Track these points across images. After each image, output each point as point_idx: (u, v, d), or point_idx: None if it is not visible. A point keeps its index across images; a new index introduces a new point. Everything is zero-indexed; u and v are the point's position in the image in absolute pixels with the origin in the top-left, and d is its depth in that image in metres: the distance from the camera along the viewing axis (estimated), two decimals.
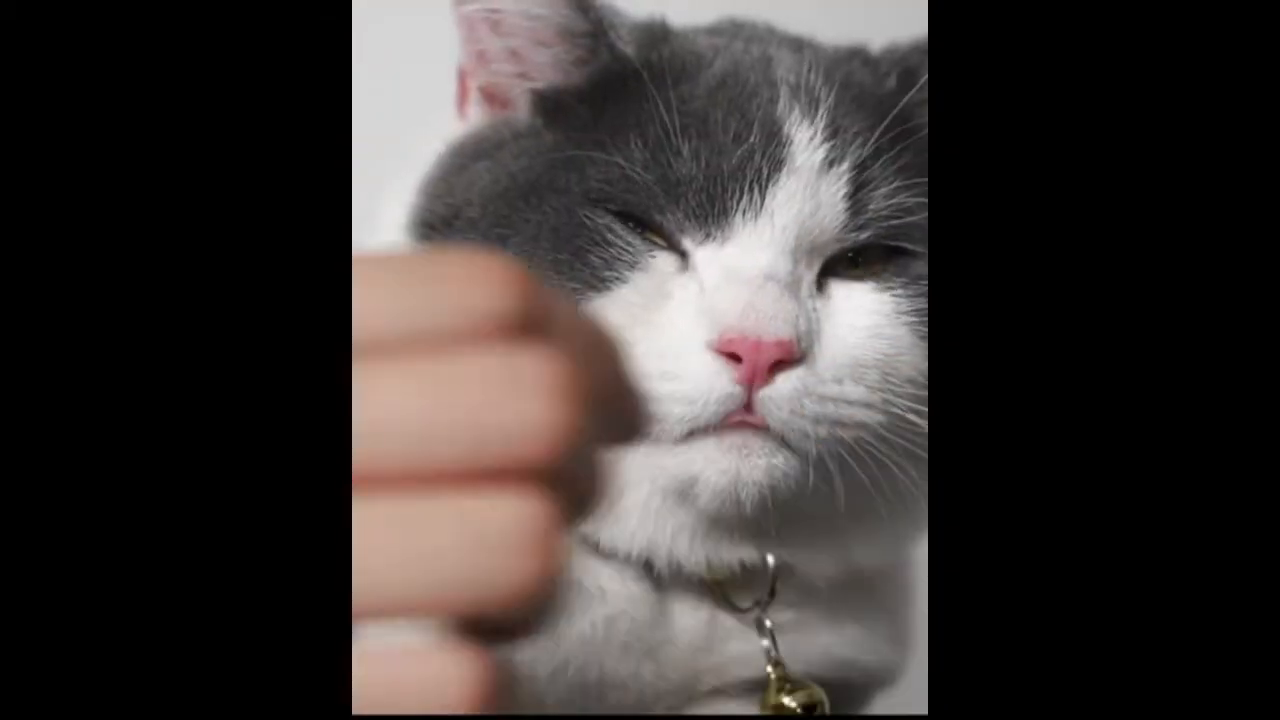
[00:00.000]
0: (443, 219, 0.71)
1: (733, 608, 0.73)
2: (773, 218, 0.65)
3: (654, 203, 0.67)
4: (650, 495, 0.69)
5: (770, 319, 0.64)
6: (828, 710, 0.70)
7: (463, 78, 0.75)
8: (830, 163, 0.67)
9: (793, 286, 0.66)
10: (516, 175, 0.71)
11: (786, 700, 0.71)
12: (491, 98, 0.74)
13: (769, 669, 0.71)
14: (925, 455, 0.66)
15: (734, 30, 0.75)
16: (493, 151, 0.72)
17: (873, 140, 0.68)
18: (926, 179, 0.68)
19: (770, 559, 0.71)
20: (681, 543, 0.70)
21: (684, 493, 0.68)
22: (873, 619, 0.75)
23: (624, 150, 0.68)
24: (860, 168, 0.68)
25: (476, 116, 0.76)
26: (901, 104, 0.70)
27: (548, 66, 0.72)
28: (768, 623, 0.72)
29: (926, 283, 0.68)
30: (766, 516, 0.69)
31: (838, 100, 0.69)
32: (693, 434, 0.67)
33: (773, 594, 0.72)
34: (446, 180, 0.73)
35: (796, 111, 0.67)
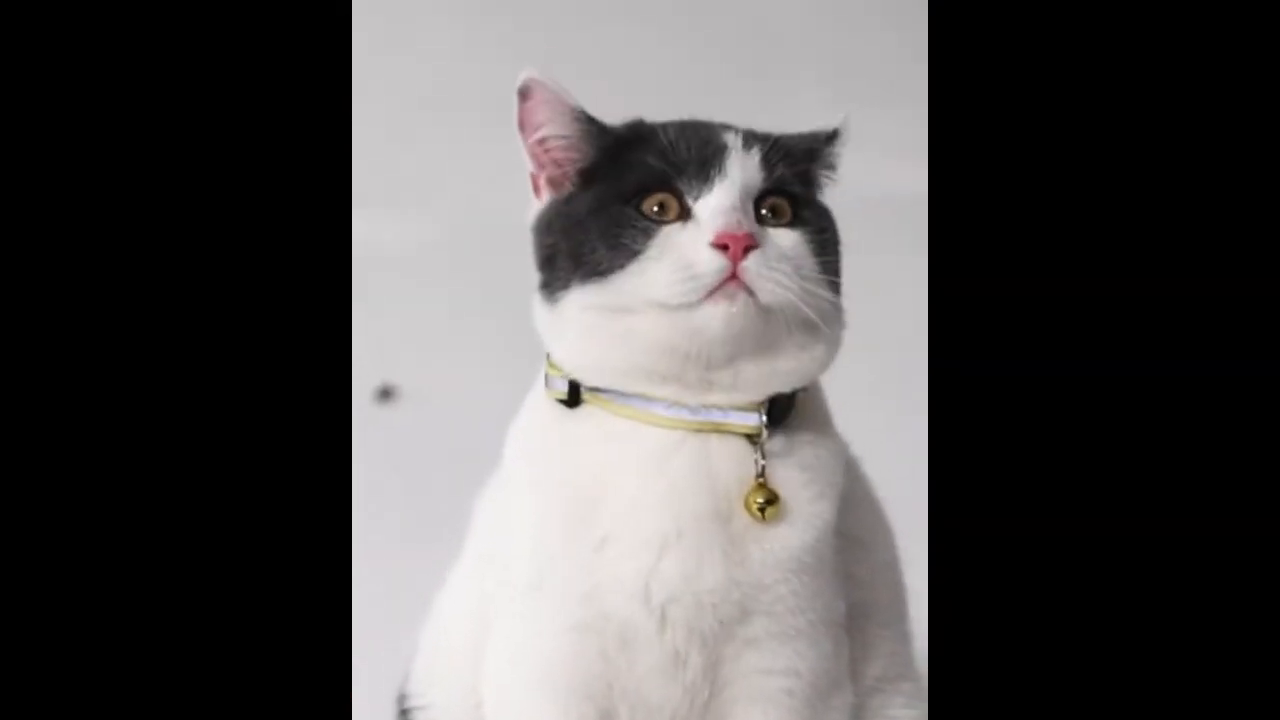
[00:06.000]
0: (547, 257, 1.31)
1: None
2: (728, 176, 1.26)
3: (669, 179, 1.29)
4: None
5: (739, 224, 1.24)
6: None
7: (534, 178, 1.34)
8: (749, 149, 1.28)
9: (746, 212, 1.25)
10: (574, 215, 1.31)
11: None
12: (552, 183, 1.34)
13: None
14: (814, 316, 1.25)
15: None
16: (560, 211, 1.33)
17: (770, 141, 1.29)
18: (802, 168, 1.31)
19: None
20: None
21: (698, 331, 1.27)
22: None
23: (645, 161, 1.30)
24: (766, 153, 1.28)
25: (546, 197, 1.34)
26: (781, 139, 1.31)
27: (579, 155, 1.32)
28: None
29: (809, 219, 1.29)
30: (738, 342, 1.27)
31: (747, 131, 1.30)
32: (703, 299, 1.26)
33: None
34: (540, 235, 1.34)
35: (730, 134, 1.30)
